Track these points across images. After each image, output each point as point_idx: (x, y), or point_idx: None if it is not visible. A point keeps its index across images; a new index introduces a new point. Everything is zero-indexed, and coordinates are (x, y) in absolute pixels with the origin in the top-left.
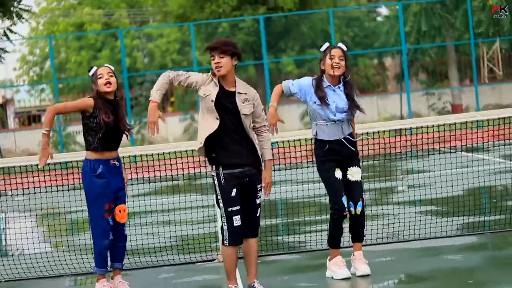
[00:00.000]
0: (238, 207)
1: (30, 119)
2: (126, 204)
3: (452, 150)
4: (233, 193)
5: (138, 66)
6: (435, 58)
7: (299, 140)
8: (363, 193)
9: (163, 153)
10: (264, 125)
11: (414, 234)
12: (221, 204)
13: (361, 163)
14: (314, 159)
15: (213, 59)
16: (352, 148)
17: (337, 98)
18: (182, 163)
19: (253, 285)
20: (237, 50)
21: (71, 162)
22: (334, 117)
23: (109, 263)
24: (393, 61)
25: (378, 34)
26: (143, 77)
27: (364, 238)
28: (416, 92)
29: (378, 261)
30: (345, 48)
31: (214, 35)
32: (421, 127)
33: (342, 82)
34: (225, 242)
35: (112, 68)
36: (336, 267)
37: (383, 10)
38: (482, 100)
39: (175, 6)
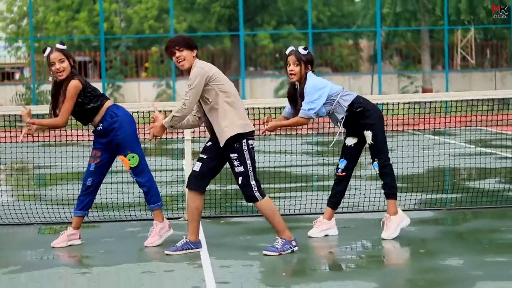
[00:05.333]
0: (202, 155)
1: (4, 75)
2: (128, 154)
3: (419, 133)
4: (208, 143)
5: (115, 30)
6: (409, 42)
7: (269, 108)
8: (378, 154)
9: (137, 112)
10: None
11: (374, 206)
12: None
13: (370, 127)
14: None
15: (174, 55)
16: (354, 129)
17: None
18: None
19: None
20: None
21: (43, 115)
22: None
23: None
24: (368, 42)
25: (355, 16)
26: (119, 41)
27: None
28: (388, 74)
29: (338, 227)
30: (303, 52)
31: (193, 5)
32: (387, 103)
33: None
34: None
35: (64, 48)
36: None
37: None
38: (452, 86)
39: None
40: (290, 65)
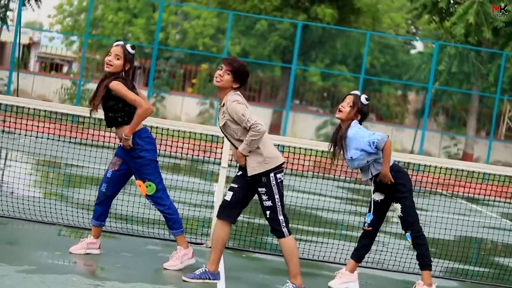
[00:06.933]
0: (234, 185)
1: (52, 66)
2: (146, 182)
3: (453, 196)
4: (238, 173)
5: (169, 42)
6: (457, 104)
7: (311, 150)
8: (410, 225)
9: (178, 131)
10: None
11: (398, 266)
12: None
13: (399, 200)
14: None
15: (220, 70)
16: (383, 187)
17: None
18: (194, 144)
19: (287, 284)
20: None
21: (83, 118)
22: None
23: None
24: (416, 96)
25: (408, 67)
26: (171, 53)
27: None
28: (432, 132)
29: (360, 282)
30: (364, 101)
31: (251, 29)
32: (428, 166)
33: None
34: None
35: (131, 51)
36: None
37: (419, 45)
38: (493, 155)
39: None
40: (343, 102)
